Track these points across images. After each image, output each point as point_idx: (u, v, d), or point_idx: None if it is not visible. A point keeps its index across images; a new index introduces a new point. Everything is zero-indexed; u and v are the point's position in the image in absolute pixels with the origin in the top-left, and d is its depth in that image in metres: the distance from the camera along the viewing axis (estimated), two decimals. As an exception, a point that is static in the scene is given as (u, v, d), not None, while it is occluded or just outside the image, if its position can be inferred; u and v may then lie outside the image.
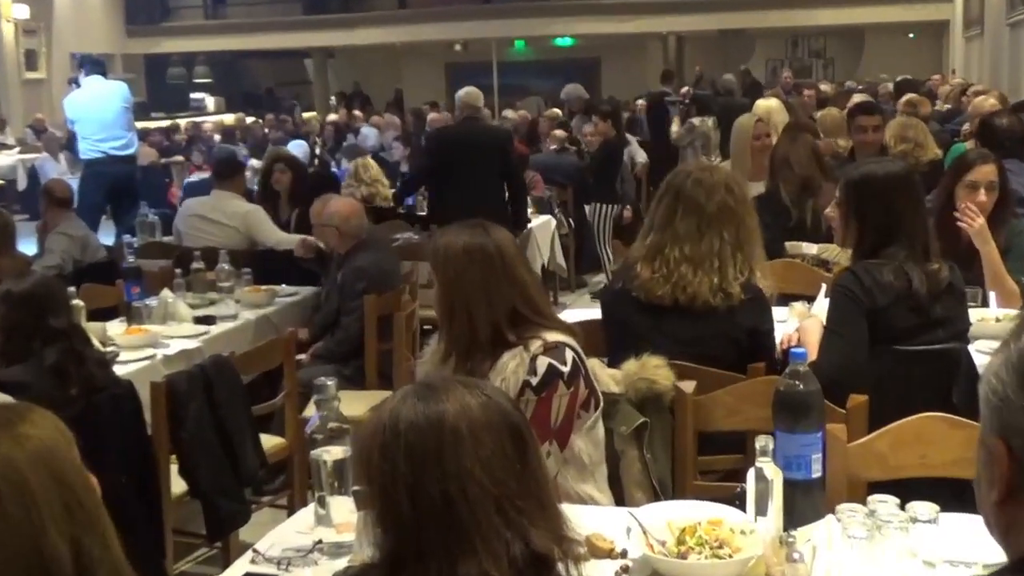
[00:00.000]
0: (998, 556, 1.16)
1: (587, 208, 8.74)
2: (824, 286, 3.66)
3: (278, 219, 6.30)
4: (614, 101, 13.90)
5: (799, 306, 3.76)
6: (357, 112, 15.96)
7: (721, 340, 3.08)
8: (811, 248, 4.40)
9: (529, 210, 7.81)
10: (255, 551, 2.19)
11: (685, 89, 11.88)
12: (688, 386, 2.81)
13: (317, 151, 12.51)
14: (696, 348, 3.05)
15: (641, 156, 10.23)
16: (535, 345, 2.48)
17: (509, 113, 13.02)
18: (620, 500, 2.67)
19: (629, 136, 9.74)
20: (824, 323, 3.05)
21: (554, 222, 8.18)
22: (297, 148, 10.25)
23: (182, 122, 16.59)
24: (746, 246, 3.09)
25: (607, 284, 8.18)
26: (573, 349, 2.51)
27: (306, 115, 16.57)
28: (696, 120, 9.85)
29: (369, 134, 12.55)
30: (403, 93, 21.04)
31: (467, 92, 7.10)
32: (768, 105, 6.98)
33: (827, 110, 7.36)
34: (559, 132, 9.90)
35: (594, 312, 3.38)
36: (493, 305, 2.48)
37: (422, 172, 7.11)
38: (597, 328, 3.27)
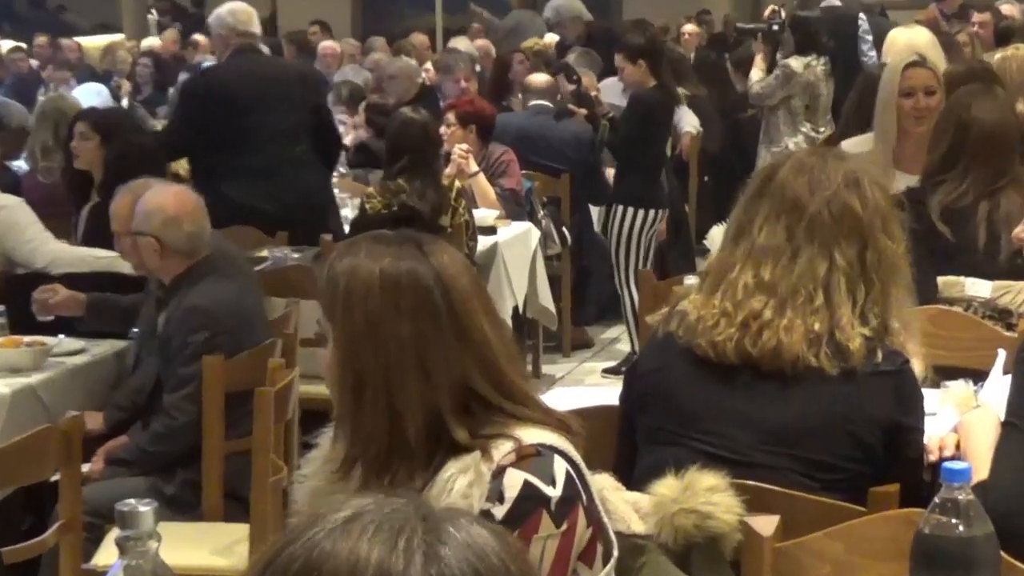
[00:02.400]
0: None
1: (594, 212, 8.78)
2: (1002, 353, 3.68)
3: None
4: (648, 28, 13.92)
5: (959, 387, 3.79)
6: (201, 38, 15.93)
7: (835, 435, 3.12)
8: (982, 288, 4.43)
9: (495, 214, 7.85)
10: None
11: (771, 8, 11.93)
12: (766, 524, 2.82)
13: (124, 101, 12.50)
14: (789, 446, 3.10)
15: (689, 122, 10.26)
16: (502, 450, 2.49)
17: (461, 43, 13.08)
18: None
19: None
20: (1002, 417, 3.08)
21: (537, 234, 8.21)
22: (91, 95, 10.25)
23: None
24: (881, 281, 3.14)
25: (631, 353, 8.16)
26: (567, 458, 2.52)
27: (101, 40, 16.49)
28: (795, 62, 9.90)
29: (217, 74, 12.55)
30: (278, 9, 21.05)
31: (230, 9, 7.21)
32: (910, 39, 7.02)
33: (1011, 50, 7.43)
34: (540, 79, 9.81)
35: (604, 394, 3.39)
36: (431, 379, 2.50)
37: (178, 141, 7.28)
38: (610, 421, 3.28)
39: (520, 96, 10.06)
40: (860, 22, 10.80)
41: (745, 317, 3.13)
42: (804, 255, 3.13)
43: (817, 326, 3.10)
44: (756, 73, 10.14)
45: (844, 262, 3.13)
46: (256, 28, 7.38)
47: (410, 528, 1.42)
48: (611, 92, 10.09)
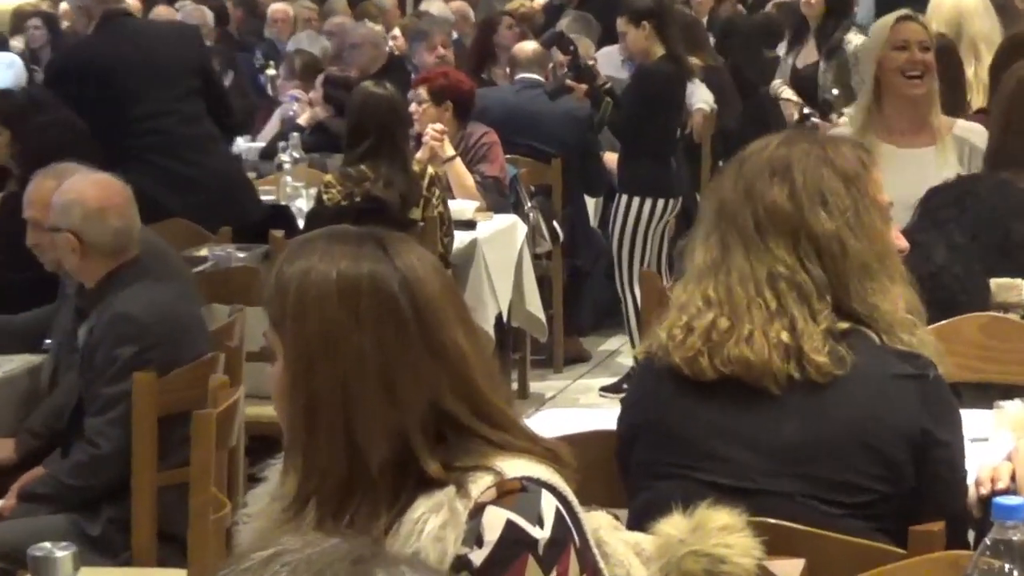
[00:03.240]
0: None
1: (591, 204, 8.77)
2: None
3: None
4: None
5: (1015, 408, 3.80)
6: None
7: (851, 449, 3.13)
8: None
9: (474, 205, 7.84)
10: None
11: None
12: (790, 569, 2.82)
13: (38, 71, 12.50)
14: (799, 465, 3.12)
15: (701, 98, 10.25)
16: (480, 484, 2.49)
17: (434, 5, 13.08)
18: None
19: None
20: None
21: (523, 229, 8.20)
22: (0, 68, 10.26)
23: None
24: (833, 266, 3.17)
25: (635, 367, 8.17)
26: (556, 493, 2.52)
27: (11, 2, 16.50)
28: (855, 38, 9.82)
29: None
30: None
31: None
32: (958, 2, 7.06)
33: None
34: (529, 48, 9.78)
35: (601, 416, 3.38)
36: (397, 401, 2.49)
37: None
38: (607, 448, 3.27)
39: (507, 68, 9.99)
40: None
41: (705, 330, 3.18)
42: (736, 266, 3.20)
43: (784, 335, 3.14)
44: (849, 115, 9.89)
45: (782, 264, 3.18)
46: None
47: (330, 574, 1.41)
48: (609, 63, 10.08)
